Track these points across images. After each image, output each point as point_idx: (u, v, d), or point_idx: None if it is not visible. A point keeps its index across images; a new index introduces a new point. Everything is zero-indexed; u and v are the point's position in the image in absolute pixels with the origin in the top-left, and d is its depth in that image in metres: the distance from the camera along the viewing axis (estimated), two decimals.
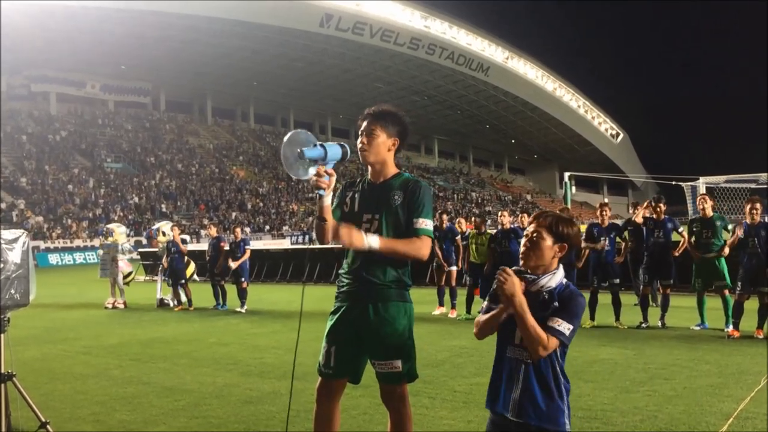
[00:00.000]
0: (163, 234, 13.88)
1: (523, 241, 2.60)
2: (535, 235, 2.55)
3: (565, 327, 2.42)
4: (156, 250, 16.88)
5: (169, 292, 13.20)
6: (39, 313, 11.82)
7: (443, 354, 7.21)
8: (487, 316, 2.58)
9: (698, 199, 8.69)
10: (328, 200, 3.10)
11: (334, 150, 3.04)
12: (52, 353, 8.11)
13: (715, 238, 8.25)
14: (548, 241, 2.53)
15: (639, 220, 9.25)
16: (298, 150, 2.94)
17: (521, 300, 2.39)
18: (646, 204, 9.64)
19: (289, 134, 3.02)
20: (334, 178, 3.08)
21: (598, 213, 9.33)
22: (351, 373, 3.24)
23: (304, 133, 3.03)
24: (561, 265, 2.57)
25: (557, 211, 2.77)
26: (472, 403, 5.16)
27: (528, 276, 2.54)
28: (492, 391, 2.60)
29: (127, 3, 44.53)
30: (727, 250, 8.12)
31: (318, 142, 3.00)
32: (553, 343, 2.40)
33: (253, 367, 6.91)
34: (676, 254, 9.07)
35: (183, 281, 12.80)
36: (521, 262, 2.59)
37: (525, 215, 11.00)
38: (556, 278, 2.53)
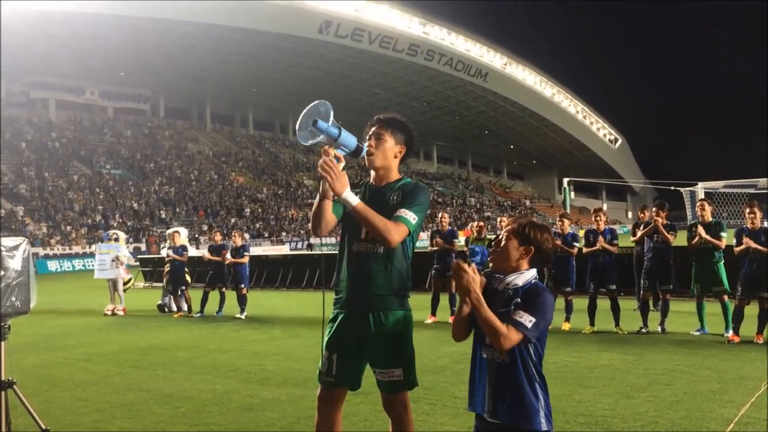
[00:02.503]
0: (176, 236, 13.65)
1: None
2: (502, 237, 2.64)
3: (526, 319, 2.45)
4: (156, 256, 16.92)
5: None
6: (39, 320, 11.80)
7: (443, 360, 7.20)
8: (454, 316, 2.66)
9: (698, 204, 8.69)
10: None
11: (348, 137, 2.99)
12: (52, 360, 8.09)
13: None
14: (514, 243, 2.61)
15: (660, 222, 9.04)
16: (314, 120, 2.91)
17: (477, 295, 2.43)
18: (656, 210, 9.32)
19: (315, 102, 2.98)
20: (341, 165, 3.01)
21: (593, 218, 9.31)
22: (351, 381, 3.23)
23: (324, 106, 2.96)
24: (534, 269, 2.63)
25: (531, 217, 2.83)
26: None
27: (497, 275, 2.62)
28: (471, 392, 2.66)
29: (126, 9, 44.60)
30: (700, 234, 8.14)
31: (337, 123, 2.96)
32: (515, 334, 2.42)
33: (253, 373, 6.90)
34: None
35: (183, 287, 12.79)
36: (490, 264, 2.67)
37: None
38: (523, 277, 2.59)
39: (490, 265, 2.68)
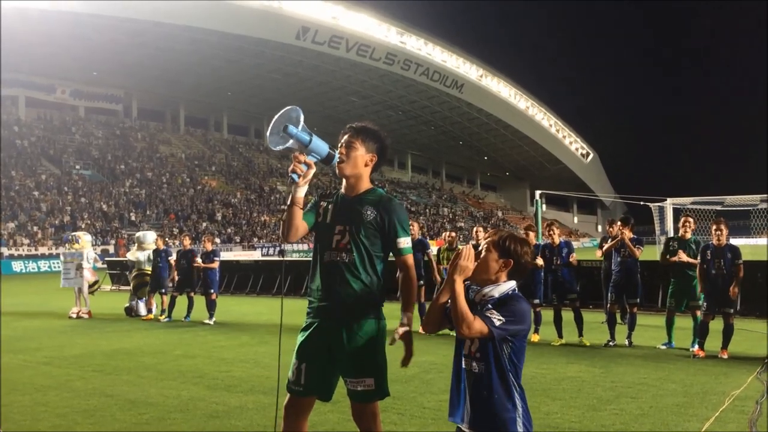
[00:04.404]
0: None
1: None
2: (482, 249, 2.64)
3: (495, 317, 2.48)
4: (123, 259, 16.64)
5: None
6: (1, 321, 11.52)
7: (412, 370, 7.16)
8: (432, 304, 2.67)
9: (682, 220, 8.76)
10: (301, 192, 3.08)
11: (319, 144, 3.02)
12: (12, 363, 7.89)
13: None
14: (494, 255, 2.62)
15: (628, 236, 9.06)
16: (284, 125, 2.93)
17: (460, 280, 2.48)
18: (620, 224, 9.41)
19: (287, 108, 3.02)
20: (312, 171, 3.05)
21: (547, 233, 9.34)
22: (321, 391, 3.20)
23: (296, 111, 2.99)
24: (512, 281, 2.65)
25: (511, 230, 2.84)
26: (441, 420, 5.14)
27: (474, 287, 2.64)
28: (451, 402, 2.68)
29: (103, 9, 44.03)
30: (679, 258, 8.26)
31: (308, 130, 2.98)
32: (479, 325, 2.45)
33: (219, 380, 6.80)
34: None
35: (164, 290, 12.69)
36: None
37: None
38: (500, 289, 2.61)
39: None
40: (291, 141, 2.96)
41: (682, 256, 8.28)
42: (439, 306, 2.64)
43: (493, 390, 2.51)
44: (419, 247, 10.66)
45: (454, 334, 2.64)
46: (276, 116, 3.02)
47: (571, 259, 8.99)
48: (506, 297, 2.57)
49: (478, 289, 2.64)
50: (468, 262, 2.51)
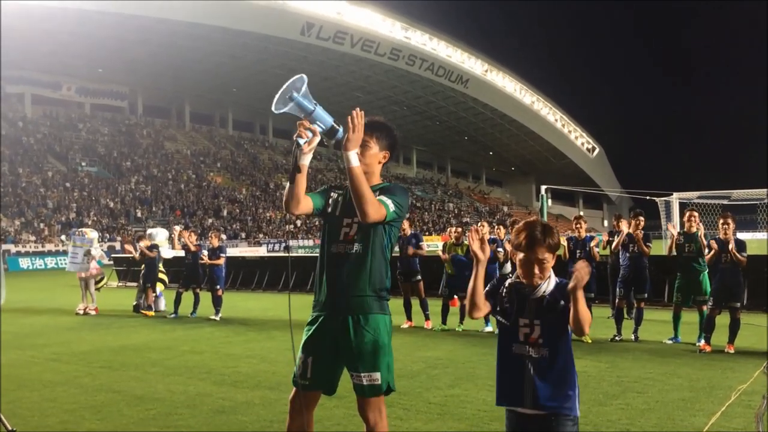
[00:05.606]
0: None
1: (526, 262, 2.69)
2: (544, 261, 2.69)
3: None
4: (129, 255, 16.70)
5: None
6: (8, 318, 11.57)
7: (418, 365, 7.19)
8: (470, 288, 2.72)
9: (686, 215, 8.72)
10: (305, 159, 2.99)
11: (322, 114, 2.97)
12: (20, 360, 7.93)
13: (699, 254, 8.30)
14: (551, 260, 2.72)
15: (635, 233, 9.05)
16: (291, 92, 2.90)
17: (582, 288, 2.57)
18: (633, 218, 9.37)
19: (296, 77, 2.97)
20: (316, 140, 2.98)
21: (574, 226, 9.39)
22: (327, 385, 3.22)
23: (301, 81, 2.94)
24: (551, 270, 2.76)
25: (531, 220, 2.83)
26: (447, 415, 5.15)
27: (524, 285, 2.73)
28: (502, 388, 2.75)
29: (108, 5, 44.10)
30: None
31: (312, 99, 2.94)
32: None
33: (226, 376, 6.83)
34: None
35: (149, 285, 12.82)
36: (525, 280, 2.71)
37: (501, 227, 10.98)
38: (551, 282, 2.72)
39: (522, 279, 2.73)
40: (291, 104, 2.91)
41: (701, 230, 8.27)
42: (480, 290, 2.72)
43: (557, 370, 2.64)
44: (413, 241, 10.61)
45: (494, 325, 2.71)
46: (285, 84, 2.96)
47: (595, 249, 9.05)
48: (564, 288, 2.66)
49: (530, 286, 2.70)
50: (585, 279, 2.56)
